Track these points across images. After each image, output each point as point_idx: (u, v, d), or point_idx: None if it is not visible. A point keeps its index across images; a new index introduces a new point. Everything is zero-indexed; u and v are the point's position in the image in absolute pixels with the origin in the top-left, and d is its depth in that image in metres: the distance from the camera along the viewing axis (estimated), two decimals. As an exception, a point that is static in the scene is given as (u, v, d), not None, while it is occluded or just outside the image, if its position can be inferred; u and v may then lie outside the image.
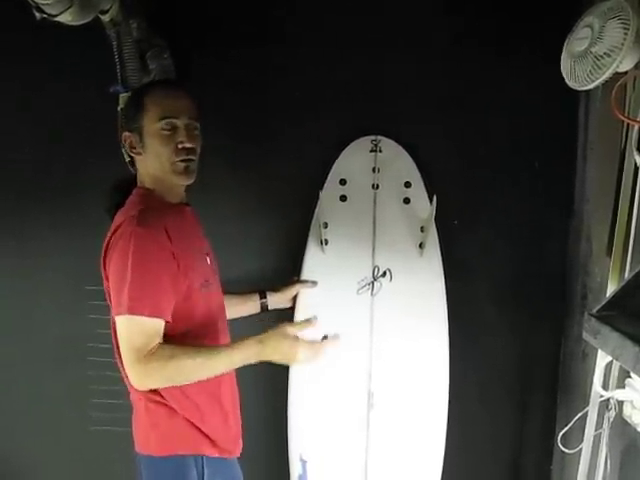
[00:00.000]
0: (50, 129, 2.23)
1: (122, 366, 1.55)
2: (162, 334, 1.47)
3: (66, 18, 1.55)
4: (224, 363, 1.52)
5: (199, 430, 1.60)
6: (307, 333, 1.68)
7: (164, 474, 1.61)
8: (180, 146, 1.56)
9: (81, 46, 2.01)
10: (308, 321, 1.83)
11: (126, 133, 1.60)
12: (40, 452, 2.43)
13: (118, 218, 1.56)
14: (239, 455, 1.75)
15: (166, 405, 1.57)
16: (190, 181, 1.62)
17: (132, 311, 1.44)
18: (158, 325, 1.47)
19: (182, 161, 1.57)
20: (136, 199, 1.59)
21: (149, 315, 1.45)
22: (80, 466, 2.41)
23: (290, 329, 1.61)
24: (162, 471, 1.61)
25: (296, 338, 1.60)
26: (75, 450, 2.41)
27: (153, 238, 1.48)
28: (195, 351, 1.49)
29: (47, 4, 1.48)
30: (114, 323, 1.54)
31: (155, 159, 1.57)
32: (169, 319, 1.49)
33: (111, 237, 1.52)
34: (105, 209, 1.65)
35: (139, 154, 1.59)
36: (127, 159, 1.71)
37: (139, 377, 1.47)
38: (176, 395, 1.56)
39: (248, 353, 1.53)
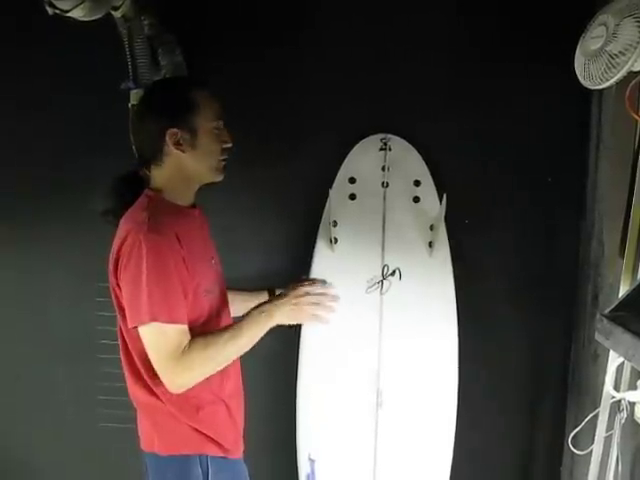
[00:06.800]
0: (60, 127, 2.23)
1: (129, 374, 1.59)
2: (189, 335, 1.50)
3: (78, 14, 1.55)
4: (247, 335, 1.60)
5: (202, 432, 1.61)
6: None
7: (169, 472, 1.62)
8: (225, 145, 1.63)
9: (93, 42, 2.02)
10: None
11: (173, 129, 1.56)
12: (48, 449, 2.44)
13: (125, 224, 1.54)
14: (242, 454, 1.75)
15: (167, 409, 1.57)
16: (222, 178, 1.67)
17: (156, 319, 1.44)
18: (182, 329, 1.49)
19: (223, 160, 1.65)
20: (144, 203, 1.57)
21: (172, 321, 1.46)
22: (89, 463, 2.42)
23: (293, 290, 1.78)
24: (167, 470, 1.62)
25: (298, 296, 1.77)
26: (83, 447, 2.42)
27: (165, 244, 1.48)
28: (218, 332, 1.58)
29: (59, -1, 1.48)
30: (122, 332, 1.56)
31: (205, 157, 1.60)
32: (186, 323, 1.51)
33: (121, 246, 1.50)
34: (110, 213, 1.64)
35: (183, 151, 1.57)
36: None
37: (179, 377, 1.49)
38: (177, 399, 1.56)
39: (261, 321, 1.64)
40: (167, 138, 1.57)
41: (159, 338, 1.47)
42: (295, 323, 1.79)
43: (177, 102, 1.61)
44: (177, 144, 1.57)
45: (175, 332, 1.47)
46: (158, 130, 1.57)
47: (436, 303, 2.07)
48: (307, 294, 1.81)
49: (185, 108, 1.57)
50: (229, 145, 1.64)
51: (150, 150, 1.61)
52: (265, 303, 1.72)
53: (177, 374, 1.48)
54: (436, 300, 2.07)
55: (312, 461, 2.08)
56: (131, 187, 1.63)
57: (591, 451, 1.70)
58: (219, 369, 1.57)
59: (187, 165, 1.59)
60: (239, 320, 1.64)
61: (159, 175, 1.61)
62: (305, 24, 2.17)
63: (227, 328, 1.60)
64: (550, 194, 2.16)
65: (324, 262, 2.10)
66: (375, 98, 2.15)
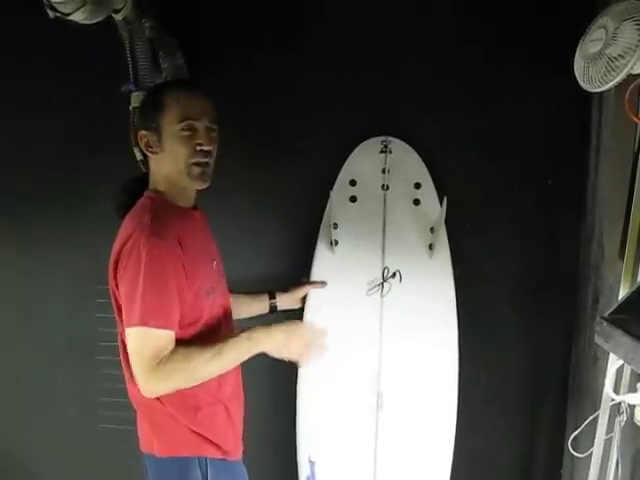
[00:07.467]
0: (61, 129, 2.24)
1: (129, 375, 1.56)
2: (173, 343, 1.48)
3: (79, 17, 1.55)
4: (230, 356, 1.54)
5: (200, 434, 1.60)
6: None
7: (168, 474, 1.61)
8: (198, 148, 1.56)
9: (94, 45, 2.02)
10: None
11: (142, 132, 1.57)
12: (49, 451, 2.45)
13: (128, 225, 1.53)
14: (242, 456, 1.75)
15: (166, 410, 1.57)
16: (205, 186, 1.61)
17: (145, 323, 1.43)
18: (169, 335, 1.47)
19: (198, 165, 1.56)
20: (146, 204, 1.57)
21: (161, 327, 1.45)
22: (89, 464, 2.42)
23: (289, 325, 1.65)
24: (166, 471, 1.61)
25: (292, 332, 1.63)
26: (84, 448, 2.42)
27: (166, 248, 1.47)
28: (202, 348, 1.50)
29: (60, 2, 1.49)
30: (122, 334, 1.55)
31: (172, 160, 1.56)
32: (177, 330, 1.50)
33: (122, 248, 1.49)
34: (114, 208, 1.64)
35: (155, 153, 1.57)
36: (139, 158, 1.71)
37: (152, 385, 1.47)
38: (175, 401, 1.55)
39: (247, 345, 1.56)
40: (139, 140, 1.59)
41: (142, 342, 1.45)
42: (279, 357, 1.64)
43: (147, 105, 1.62)
44: (147, 146, 1.58)
45: (160, 339, 1.45)
46: (136, 133, 1.61)
47: (436, 305, 2.07)
48: (304, 335, 1.66)
49: (152, 110, 1.57)
50: (204, 148, 1.56)
51: (138, 152, 1.64)
52: (256, 328, 1.59)
53: (151, 382, 1.46)
54: (436, 302, 2.07)
55: (312, 463, 2.07)
56: (139, 188, 1.64)
57: (591, 454, 1.70)
58: (196, 384, 1.52)
59: (163, 168, 1.59)
60: (226, 339, 1.55)
61: (152, 177, 1.63)
62: (306, 27, 2.17)
63: (212, 345, 1.51)
64: (550, 196, 2.16)
65: (324, 264, 2.10)
66: (376, 100, 2.15)
